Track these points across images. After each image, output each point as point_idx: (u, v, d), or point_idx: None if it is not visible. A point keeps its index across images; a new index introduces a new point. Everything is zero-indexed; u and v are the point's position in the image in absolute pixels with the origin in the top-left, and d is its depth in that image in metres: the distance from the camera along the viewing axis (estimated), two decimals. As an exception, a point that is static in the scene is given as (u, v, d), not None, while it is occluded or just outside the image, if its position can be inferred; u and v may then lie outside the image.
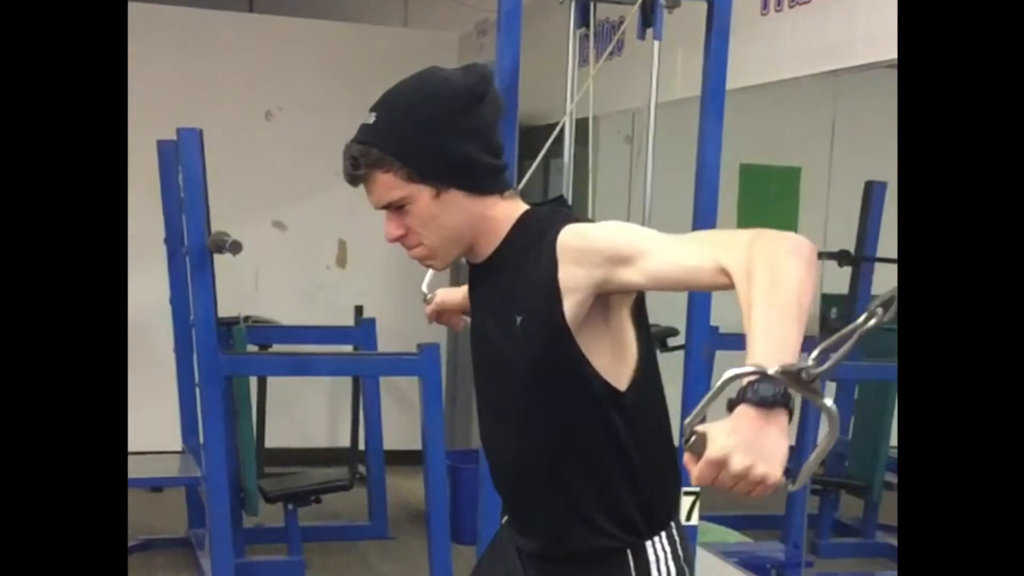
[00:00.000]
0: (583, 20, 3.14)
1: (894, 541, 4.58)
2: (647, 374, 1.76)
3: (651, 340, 1.80)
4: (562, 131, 3.08)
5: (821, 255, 4.69)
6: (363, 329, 5.36)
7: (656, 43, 3.08)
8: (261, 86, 6.50)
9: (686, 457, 1.31)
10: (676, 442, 1.73)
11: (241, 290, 6.09)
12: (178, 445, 5.13)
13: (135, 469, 3.79)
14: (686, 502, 2.94)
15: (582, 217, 1.80)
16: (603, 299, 1.67)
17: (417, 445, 4.29)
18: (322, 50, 6.59)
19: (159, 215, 4.94)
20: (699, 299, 3.20)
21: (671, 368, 3.39)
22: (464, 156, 1.74)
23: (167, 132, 4.54)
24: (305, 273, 6.65)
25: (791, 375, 1.27)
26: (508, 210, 1.79)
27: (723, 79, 3.11)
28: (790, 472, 1.30)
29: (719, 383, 1.28)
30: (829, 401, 1.28)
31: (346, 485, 4.91)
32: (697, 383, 3.16)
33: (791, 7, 3.82)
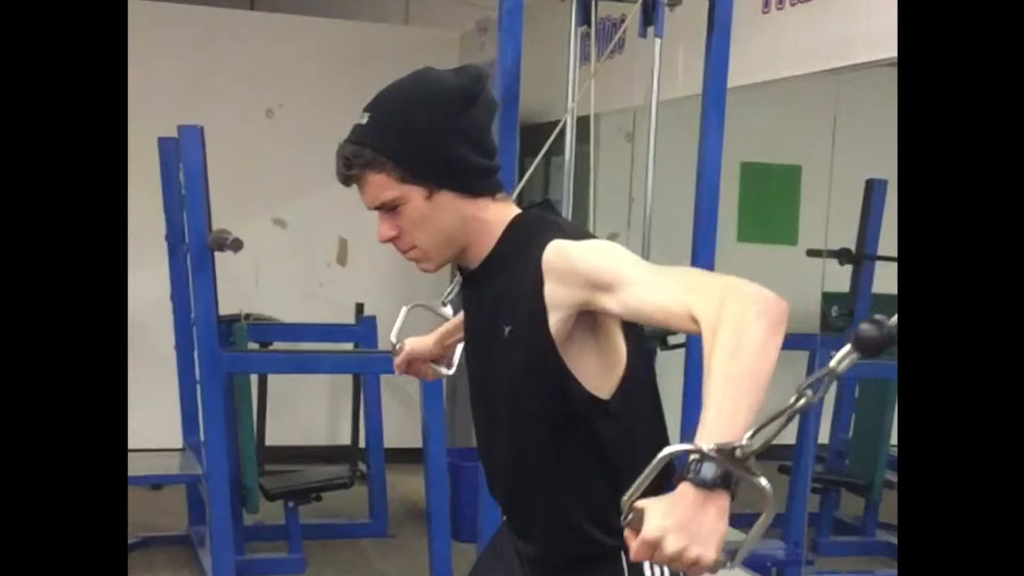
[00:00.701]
0: (584, 18, 3.14)
1: (894, 540, 4.58)
2: (636, 379, 1.75)
3: (643, 343, 1.79)
4: (563, 129, 3.08)
5: (822, 253, 4.71)
6: (364, 327, 5.36)
7: (657, 41, 3.08)
8: (262, 84, 6.50)
9: (626, 532, 1.32)
10: (675, 442, 1.73)
11: (242, 287, 6.08)
12: (179, 442, 5.13)
13: (136, 466, 3.80)
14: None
15: (567, 225, 1.80)
16: (591, 311, 1.67)
17: (418, 443, 4.29)
18: (323, 48, 6.59)
19: (160, 212, 4.95)
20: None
21: (671, 367, 3.40)
22: (457, 157, 1.74)
23: (168, 129, 4.54)
24: (306, 270, 6.66)
25: (726, 453, 1.28)
26: (500, 213, 1.79)
27: (724, 77, 3.11)
28: (730, 552, 1.30)
29: (655, 461, 1.29)
30: (764, 481, 1.29)
31: (347, 483, 4.92)
32: (697, 382, 3.15)
33: (792, 5, 3.82)
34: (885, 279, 4.89)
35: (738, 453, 1.28)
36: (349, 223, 6.43)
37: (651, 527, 1.28)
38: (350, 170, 1.75)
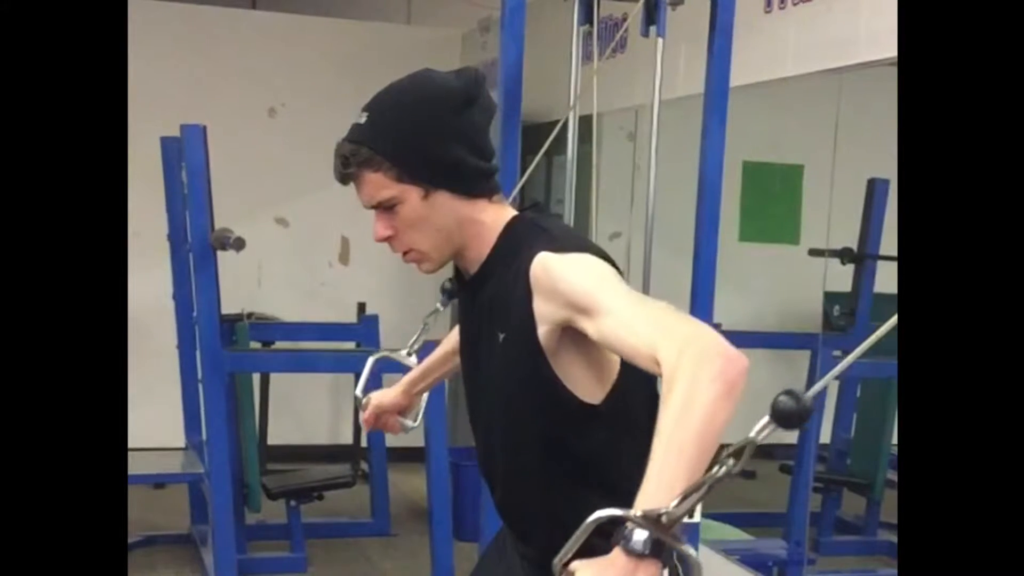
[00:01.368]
0: (586, 17, 3.14)
1: (896, 539, 4.58)
2: (630, 384, 1.75)
3: None
4: (565, 128, 3.08)
5: (824, 252, 4.71)
6: (365, 326, 5.37)
7: (659, 40, 3.08)
8: (264, 83, 6.50)
9: None
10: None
11: (244, 286, 6.09)
12: (181, 441, 5.14)
13: (138, 465, 3.80)
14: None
15: (558, 231, 1.78)
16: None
17: (419, 442, 4.29)
18: (325, 47, 6.60)
19: (162, 212, 4.95)
20: (701, 296, 3.19)
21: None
22: (454, 158, 1.74)
23: (171, 129, 4.54)
24: (308, 270, 6.66)
25: (652, 520, 1.28)
26: (496, 215, 1.80)
27: (726, 76, 3.11)
28: None
29: (585, 524, 1.30)
30: (690, 549, 1.30)
31: (348, 482, 4.92)
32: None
33: (795, 4, 3.82)
34: (887, 278, 4.89)
35: (664, 519, 1.28)
36: (351, 222, 6.44)
37: None
38: (347, 168, 1.76)
